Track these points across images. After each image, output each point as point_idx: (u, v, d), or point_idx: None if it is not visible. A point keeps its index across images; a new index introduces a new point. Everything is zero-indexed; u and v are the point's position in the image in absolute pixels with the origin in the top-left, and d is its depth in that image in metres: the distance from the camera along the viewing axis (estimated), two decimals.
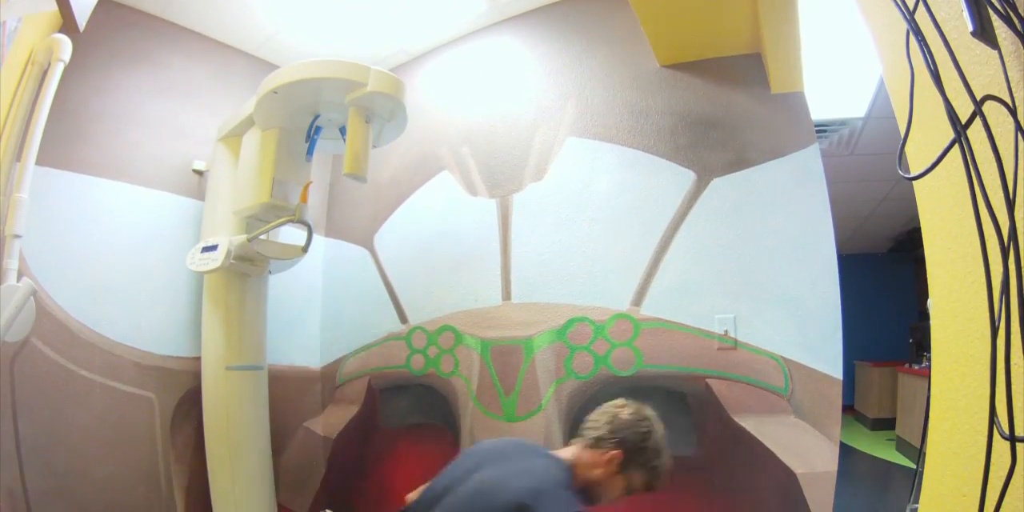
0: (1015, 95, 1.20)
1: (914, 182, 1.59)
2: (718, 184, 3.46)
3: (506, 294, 4.14)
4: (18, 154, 2.96)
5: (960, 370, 1.47)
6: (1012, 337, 1.17)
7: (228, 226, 3.87)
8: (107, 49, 4.15)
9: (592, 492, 2.45)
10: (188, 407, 4.25)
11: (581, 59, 4.13)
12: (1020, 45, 1.20)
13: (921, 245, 1.67)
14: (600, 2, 4.17)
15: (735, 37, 3.43)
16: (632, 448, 2.41)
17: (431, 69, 5.09)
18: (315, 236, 4.06)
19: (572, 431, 3.66)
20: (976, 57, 1.31)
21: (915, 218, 1.68)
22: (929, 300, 1.68)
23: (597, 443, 2.44)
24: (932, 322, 1.65)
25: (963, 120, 1.26)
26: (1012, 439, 1.15)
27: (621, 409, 2.52)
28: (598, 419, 2.51)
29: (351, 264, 5.21)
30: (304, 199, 3.71)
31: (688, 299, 3.45)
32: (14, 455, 3.50)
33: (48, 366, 3.70)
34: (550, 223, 4.02)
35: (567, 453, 2.49)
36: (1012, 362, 1.16)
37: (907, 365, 8.94)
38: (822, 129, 6.29)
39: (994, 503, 1.18)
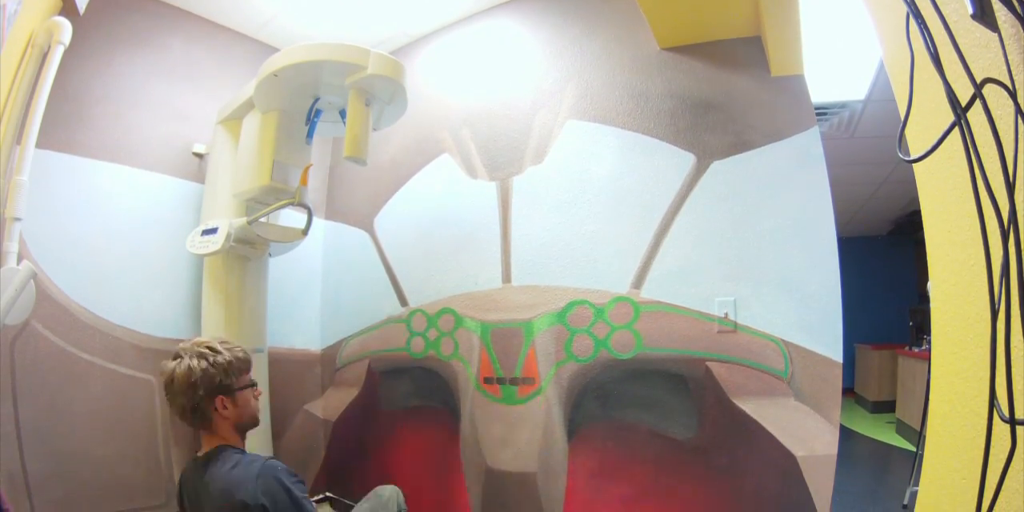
0: (1015, 78, 1.20)
1: (914, 165, 1.59)
2: (718, 167, 3.45)
3: (506, 277, 4.15)
4: (18, 137, 2.95)
5: (960, 353, 1.48)
6: (1012, 320, 1.18)
7: (228, 209, 3.87)
8: (107, 32, 4.14)
9: (246, 424, 2.61)
10: None
11: (581, 42, 4.12)
12: (1020, 28, 1.20)
13: (921, 228, 1.67)
14: None
15: (735, 20, 3.42)
16: (204, 392, 2.46)
17: (431, 52, 5.08)
18: (315, 219, 4.06)
19: (572, 414, 3.70)
20: (976, 40, 1.31)
21: (915, 201, 1.69)
22: (929, 283, 1.68)
23: (200, 416, 2.49)
24: (932, 305, 1.65)
25: (963, 103, 1.26)
26: (1012, 422, 1.15)
27: (166, 382, 2.50)
28: (173, 407, 2.53)
29: (351, 247, 5.21)
30: (304, 182, 3.71)
31: (688, 282, 3.45)
32: (14, 438, 3.50)
33: (48, 349, 3.70)
34: (550, 206, 4.02)
35: (210, 443, 2.55)
36: (1012, 345, 1.16)
37: (907, 348, 8.95)
38: (822, 112, 6.28)
39: (994, 486, 1.19)
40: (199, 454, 2.55)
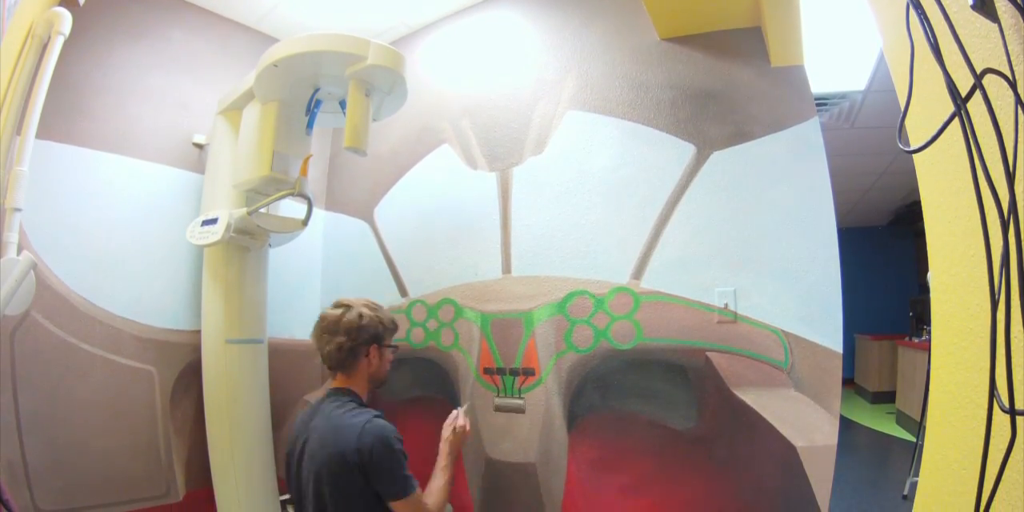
0: (1015, 68, 1.20)
1: (914, 155, 1.58)
2: (718, 157, 3.45)
3: (506, 267, 4.15)
4: (18, 127, 2.95)
5: (960, 343, 1.48)
6: (1012, 310, 1.18)
7: (228, 199, 3.87)
8: (107, 22, 4.13)
9: (377, 379, 3.02)
10: (188, 380, 4.27)
11: (581, 32, 4.11)
12: (1020, 18, 1.20)
13: (921, 218, 1.67)
14: None
15: (735, 10, 3.41)
16: (366, 337, 2.87)
17: (431, 42, 5.07)
18: (315, 209, 4.06)
19: (572, 404, 3.71)
20: (976, 30, 1.31)
21: (915, 191, 1.69)
22: (929, 273, 1.68)
23: (348, 361, 2.88)
24: (932, 295, 1.65)
25: (963, 93, 1.26)
26: (1012, 412, 1.16)
27: (328, 323, 2.89)
28: (325, 348, 2.88)
29: (351, 237, 5.21)
30: (304, 172, 3.72)
31: (688, 272, 3.45)
32: (14, 428, 3.51)
33: (48, 339, 3.71)
34: (550, 196, 4.02)
35: (340, 382, 2.94)
36: (1012, 335, 1.16)
37: (907, 338, 8.98)
38: (822, 102, 6.29)
39: (994, 476, 1.19)
40: (325, 392, 2.93)
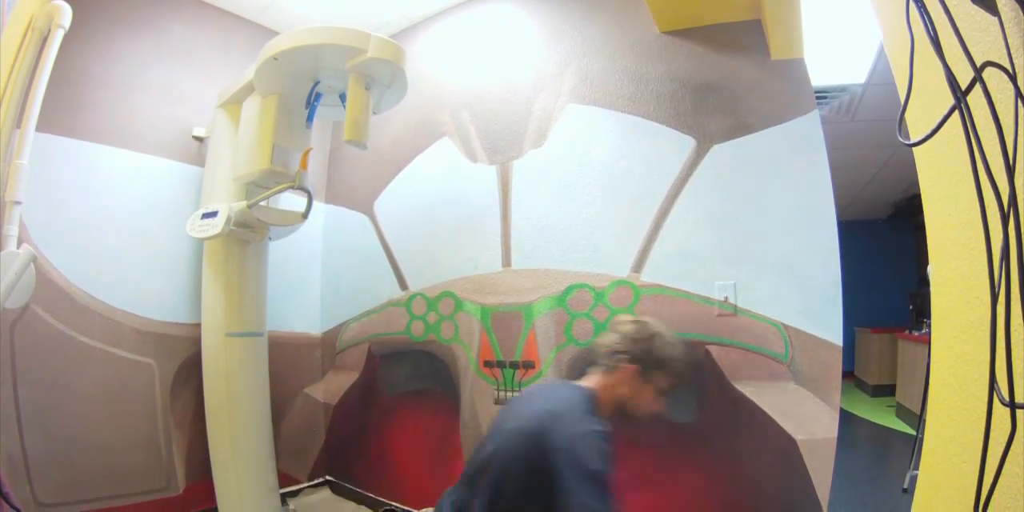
0: (1015, 61, 1.20)
1: (914, 148, 1.59)
2: (718, 150, 3.45)
3: (506, 260, 4.16)
4: (18, 121, 2.95)
5: (960, 337, 1.48)
6: (1012, 304, 1.18)
7: (228, 192, 3.87)
8: (107, 15, 4.14)
9: (628, 409, 2.59)
10: (188, 373, 4.28)
11: (581, 25, 4.11)
12: (1020, 11, 1.20)
13: (921, 211, 1.67)
14: None
15: (735, 3, 3.41)
16: (643, 358, 2.53)
17: (431, 35, 5.07)
18: (315, 202, 4.07)
19: None
20: (976, 24, 1.31)
21: (915, 184, 1.68)
22: (929, 266, 1.68)
23: (611, 365, 2.58)
24: (932, 288, 1.66)
25: (963, 86, 1.26)
26: (1012, 405, 1.16)
27: (622, 325, 2.65)
28: (605, 342, 2.65)
29: (351, 230, 5.22)
30: (304, 165, 3.72)
31: (688, 265, 3.45)
32: (14, 421, 3.52)
33: (48, 332, 3.72)
34: (550, 190, 4.02)
35: (588, 382, 2.62)
36: (1012, 329, 1.16)
37: (907, 331, 8.95)
38: (822, 95, 6.27)
39: (994, 470, 1.19)
40: (571, 380, 2.73)
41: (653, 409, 2.60)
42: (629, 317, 2.71)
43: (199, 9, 4.76)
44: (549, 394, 2.59)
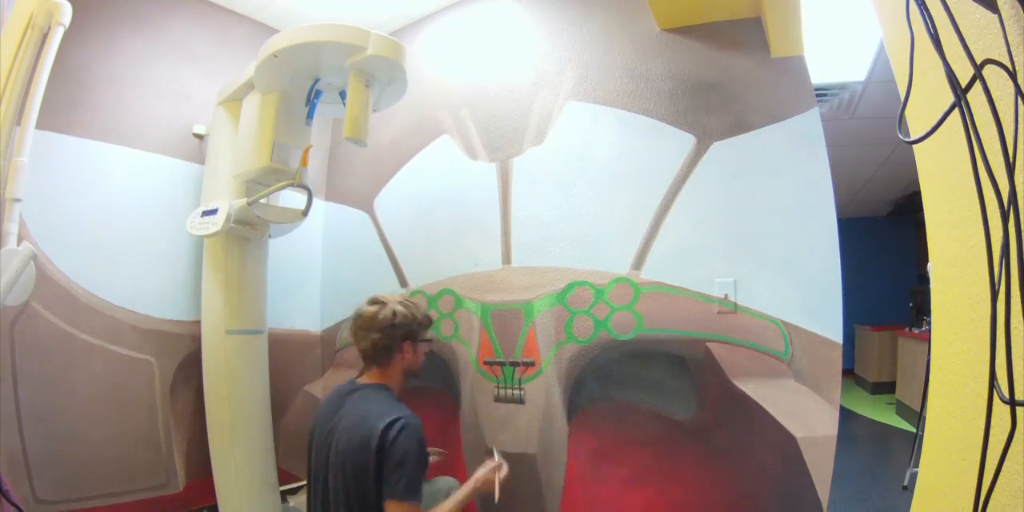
0: (1015, 59, 1.21)
1: (914, 146, 1.59)
2: (718, 148, 3.45)
3: (506, 258, 4.16)
4: (18, 118, 2.95)
5: (960, 334, 1.48)
6: (1012, 301, 1.18)
7: (228, 190, 3.87)
8: (107, 13, 4.13)
9: (411, 374, 3.08)
10: (188, 371, 4.28)
11: (581, 23, 4.11)
12: (1020, 9, 1.20)
13: (921, 209, 1.67)
14: None
15: (735, 0, 3.41)
16: (408, 331, 2.94)
17: (431, 33, 5.07)
18: (315, 200, 4.06)
19: (572, 395, 3.71)
20: (976, 21, 1.31)
21: (915, 182, 1.69)
22: (929, 264, 1.68)
23: (383, 357, 2.92)
24: (932, 286, 1.65)
25: (963, 84, 1.26)
26: (1012, 403, 1.16)
27: (373, 320, 2.89)
28: (361, 344, 2.93)
29: (351, 228, 5.22)
30: (304, 163, 3.71)
31: (688, 263, 3.45)
32: (14, 418, 3.52)
33: (48, 330, 3.72)
34: (550, 187, 4.02)
35: (374, 378, 2.96)
36: (1012, 326, 1.16)
37: (907, 329, 8.97)
38: (822, 93, 6.28)
39: (994, 467, 1.20)
40: (358, 381, 2.98)
41: (423, 356, 3.12)
42: (368, 309, 2.92)
43: (199, 6, 4.76)
44: (359, 405, 2.82)
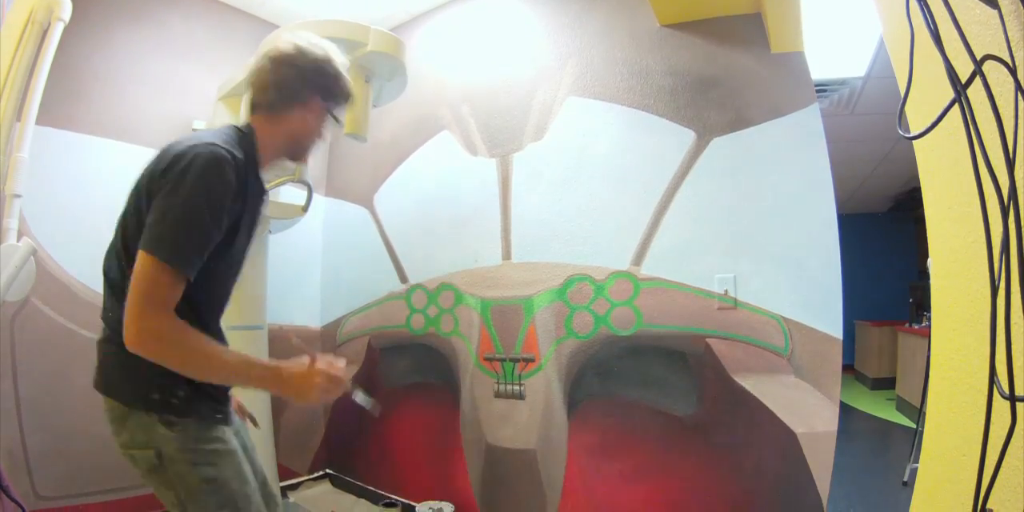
0: (1015, 55, 1.21)
1: (914, 142, 1.59)
2: (718, 143, 3.45)
3: (506, 253, 4.16)
4: (18, 114, 2.95)
5: (960, 330, 1.48)
6: (1012, 297, 1.18)
7: None
8: (107, 8, 4.14)
9: (299, 148, 2.33)
10: None
11: (581, 18, 4.11)
12: (1020, 5, 1.20)
13: (921, 205, 1.67)
14: None
15: None
16: (326, 87, 2.17)
17: (431, 29, 5.07)
18: (315, 196, 4.07)
19: (572, 391, 3.71)
20: (976, 17, 1.31)
21: (915, 178, 1.69)
22: (929, 260, 1.68)
23: (277, 104, 2.16)
24: (932, 282, 1.65)
25: (963, 80, 1.26)
26: (1012, 398, 1.16)
27: (270, 51, 2.10)
28: (254, 76, 2.15)
29: (351, 224, 5.23)
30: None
31: (688, 258, 3.45)
32: (14, 414, 3.53)
33: (48, 325, 3.72)
34: (550, 182, 4.03)
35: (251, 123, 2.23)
36: (1012, 322, 1.16)
37: (907, 325, 8.96)
38: (822, 89, 6.27)
39: (994, 462, 1.20)
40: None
41: (321, 139, 2.32)
42: (266, 54, 2.12)
43: (199, 2, 4.76)
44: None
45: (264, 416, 4.03)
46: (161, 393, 1.93)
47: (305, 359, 2.11)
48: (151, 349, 1.77)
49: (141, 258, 1.79)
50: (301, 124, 2.22)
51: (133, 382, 1.94)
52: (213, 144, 1.92)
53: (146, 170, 2.09)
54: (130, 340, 1.76)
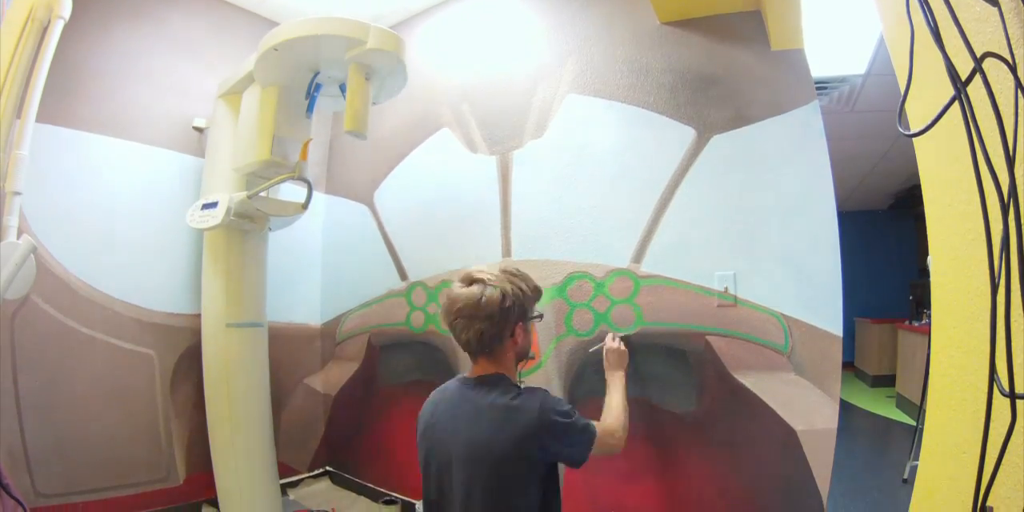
0: (1015, 52, 1.21)
1: (914, 139, 1.59)
2: (718, 141, 3.44)
3: (506, 251, 4.16)
4: (18, 111, 2.95)
5: (960, 327, 1.48)
6: (1012, 294, 1.18)
7: (228, 183, 3.89)
8: (106, 6, 4.14)
9: (521, 359, 2.64)
10: (188, 364, 4.30)
11: (581, 16, 4.10)
12: (1019, 2, 1.20)
13: (921, 202, 1.67)
14: None
15: None
16: (520, 312, 2.46)
17: (431, 26, 5.07)
18: (315, 193, 4.07)
19: (572, 388, 3.71)
20: (976, 14, 1.31)
21: (915, 175, 1.68)
22: (929, 257, 1.68)
23: (496, 342, 2.47)
24: (932, 279, 1.65)
25: (963, 77, 1.26)
26: (1012, 396, 1.16)
27: (465, 308, 2.41)
28: (462, 335, 2.48)
29: (351, 221, 5.23)
30: (304, 156, 3.72)
31: (688, 256, 3.46)
32: (14, 412, 3.53)
33: (48, 323, 3.73)
34: (550, 180, 4.02)
35: (487, 370, 2.54)
36: (1012, 319, 1.17)
37: (907, 322, 8.97)
38: (822, 86, 6.27)
39: (994, 460, 1.20)
40: (470, 376, 2.59)
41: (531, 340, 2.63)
42: (466, 292, 2.45)
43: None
44: (491, 409, 2.39)
45: (264, 412, 4.04)
46: None
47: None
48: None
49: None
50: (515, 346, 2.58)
51: None
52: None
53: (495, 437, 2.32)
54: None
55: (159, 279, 4.29)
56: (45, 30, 3.08)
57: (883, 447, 7.10)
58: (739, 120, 3.39)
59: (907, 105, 1.55)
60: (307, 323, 5.33)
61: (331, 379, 5.27)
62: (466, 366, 4.08)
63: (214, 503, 4.07)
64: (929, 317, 1.81)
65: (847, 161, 9.23)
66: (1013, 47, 1.21)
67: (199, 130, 4.55)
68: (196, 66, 4.64)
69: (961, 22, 1.25)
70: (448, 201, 4.56)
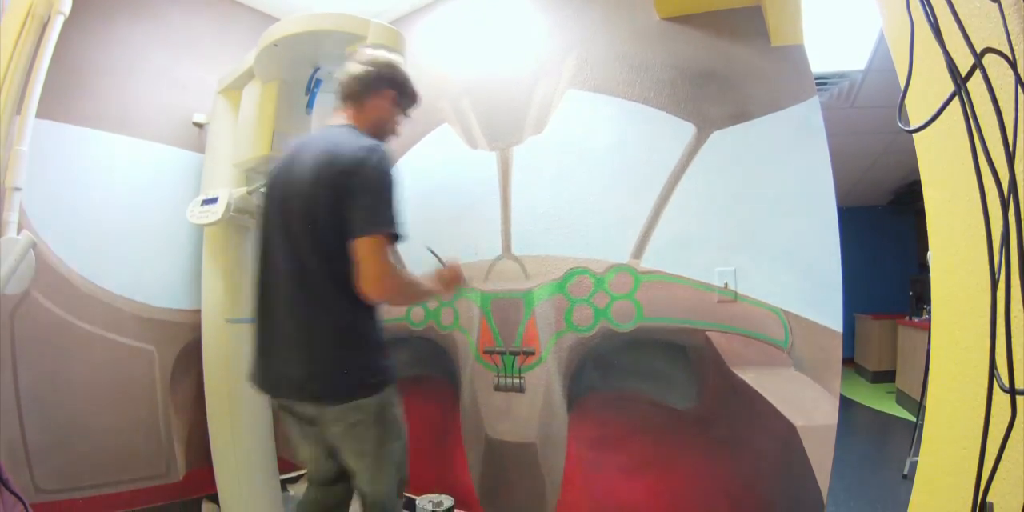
0: (1015, 48, 1.21)
1: (914, 135, 1.59)
2: (718, 137, 3.44)
3: (506, 246, 4.16)
4: (18, 107, 2.95)
5: (960, 323, 1.48)
6: (1012, 290, 1.18)
7: (228, 179, 3.89)
8: (106, 1, 4.13)
9: (383, 132, 2.82)
10: (188, 360, 4.29)
11: (581, 12, 4.10)
12: None
13: (921, 198, 1.67)
14: None
15: None
16: (395, 82, 2.78)
17: (431, 21, 5.06)
18: None
19: (572, 384, 3.71)
20: (976, 10, 1.31)
21: (915, 171, 1.68)
22: (929, 253, 1.68)
23: (364, 94, 2.73)
24: (932, 275, 1.65)
25: (963, 73, 1.26)
26: (1012, 392, 1.16)
27: (365, 56, 2.74)
28: (348, 80, 2.72)
29: None
30: None
31: (688, 252, 3.45)
32: (14, 408, 3.53)
33: (48, 319, 3.73)
34: (550, 176, 4.03)
35: (343, 119, 2.75)
36: (1012, 315, 1.17)
37: (907, 318, 8.96)
38: (822, 82, 6.27)
39: (994, 456, 1.20)
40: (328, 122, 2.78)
41: (398, 129, 2.93)
42: (365, 52, 2.76)
43: None
44: (318, 142, 2.60)
45: (263, 408, 4.04)
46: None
47: (440, 266, 3.13)
48: (396, 296, 2.77)
49: (373, 238, 2.45)
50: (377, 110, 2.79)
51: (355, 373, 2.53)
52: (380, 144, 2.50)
53: (317, 170, 2.47)
54: (380, 294, 2.50)
55: (159, 275, 4.29)
56: (45, 26, 3.08)
57: (883, 443, 7.10)
58: (739, 116, 3.39)
59: (907, 101, 1.55)
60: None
61: None
62: (466, 362, 4.09)
63: (214, 499, 4.06)
64: (929, 313, 1.81)
65: (847, 157, 9.23)
66: (1013, 42, 1.21)
67: (199, 126, 4.54)
68: (196, 62, 4.63)
69: (961, 17, 1.25)
70: (448, 196, 4.56)
